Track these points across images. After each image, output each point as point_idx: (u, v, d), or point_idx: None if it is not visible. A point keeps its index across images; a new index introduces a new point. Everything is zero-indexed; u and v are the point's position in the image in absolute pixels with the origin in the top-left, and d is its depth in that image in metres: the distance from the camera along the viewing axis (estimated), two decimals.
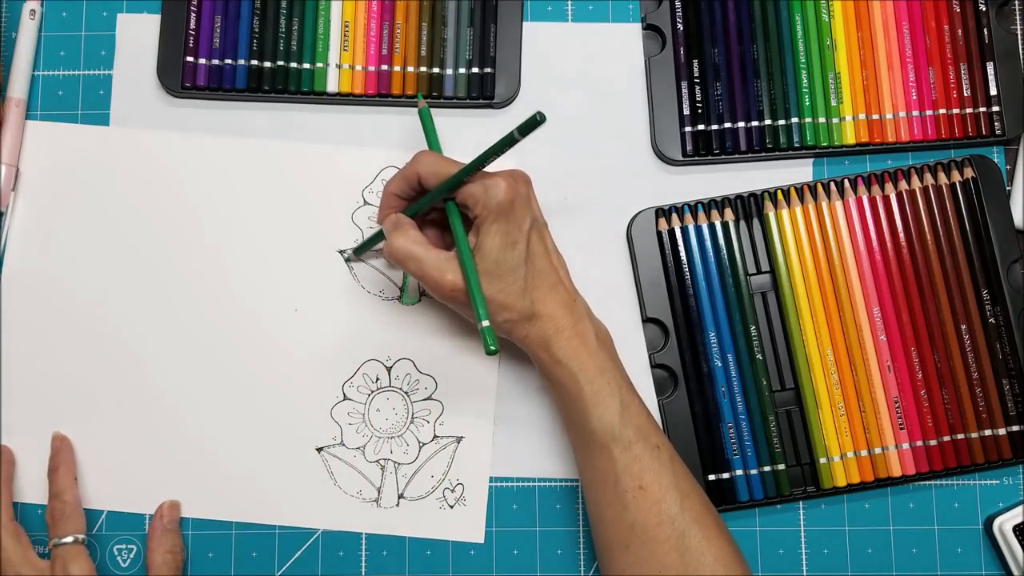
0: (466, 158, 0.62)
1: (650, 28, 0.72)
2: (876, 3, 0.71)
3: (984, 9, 0.71)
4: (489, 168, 0.61)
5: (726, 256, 0.70)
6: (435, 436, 0.69)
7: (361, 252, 0.70)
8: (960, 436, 0.68)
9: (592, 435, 0.61)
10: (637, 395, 0.63)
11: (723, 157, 0.71)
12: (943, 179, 0.70)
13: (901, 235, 0.69)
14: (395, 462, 0.69)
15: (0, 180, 0.69)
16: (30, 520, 0.68)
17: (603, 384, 0.61)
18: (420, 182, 0.64)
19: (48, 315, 0.70)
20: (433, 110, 0.71)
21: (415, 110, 0.71)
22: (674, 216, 0.70)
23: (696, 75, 0.71)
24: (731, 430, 0.68)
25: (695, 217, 0.70)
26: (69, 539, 0.65)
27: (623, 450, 0.60)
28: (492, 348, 0.58)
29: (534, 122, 0.57)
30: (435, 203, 0.64)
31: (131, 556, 0.69)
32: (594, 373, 0.61)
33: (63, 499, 0.66)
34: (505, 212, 0.61)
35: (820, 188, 0.70)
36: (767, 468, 0.68)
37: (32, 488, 0.68)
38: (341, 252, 0.70)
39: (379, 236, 0.67)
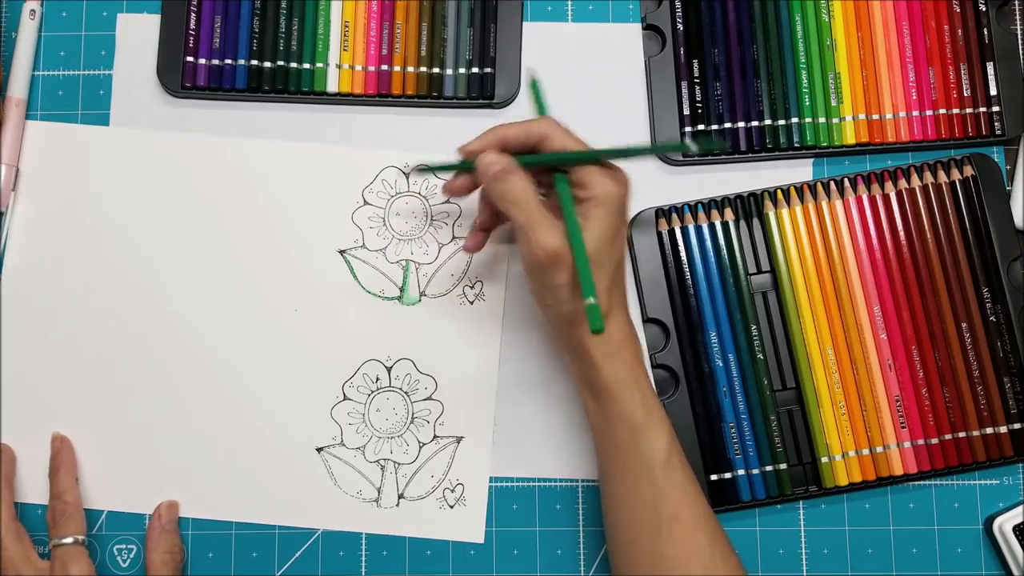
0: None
1: (650, 28, 0.72)
2: (876, 3, 0.71)
3: (984, 9, 0.71)
4: None
5: (726, 256, 0.70)
6: (435, 436, 0.69)
7: (428, 171, 0.65)
8: (961, 434, 0.68)
9: (639, 457, 0.59)
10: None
11: (723, 157, 0.71)
12: (943, 177, 0.70)
13: (901, 234, 0.69)
14: (395, 462, 0.69)
15: (0, 180, 0.69)
16: (31, 520, 0.68)
17: (656, 408, 0.60)
18: (538, 144, 0.60)
19: (48, 315, 0.70)
20: (432, 110, 0.71)
21: (415, 110, 0.71)
22: (674, 216, 0.70)
23: (696, 75, 0.71)
24: (732, 430, 0.68)
25: (695, 217, 0.70)
26: (69, 540, 0.65)
27: (665, 478, 0.59)
28: (599, 326, 0.55)
29: (711, 146, 0.59)
30: (544, 166, 0.61)
31: (131, 556, 0.68)
32: (649, 395, 0.60)
33: (64, 500, 0.66)
34: (619, 206, 0.59)
35: (820, 187, 0.70)
36: (769, 468, 0.68)
37: (33, 488, 0.68)
38: (406, 168, 0.64)
39: (461, 166, 0.63)
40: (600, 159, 0.59)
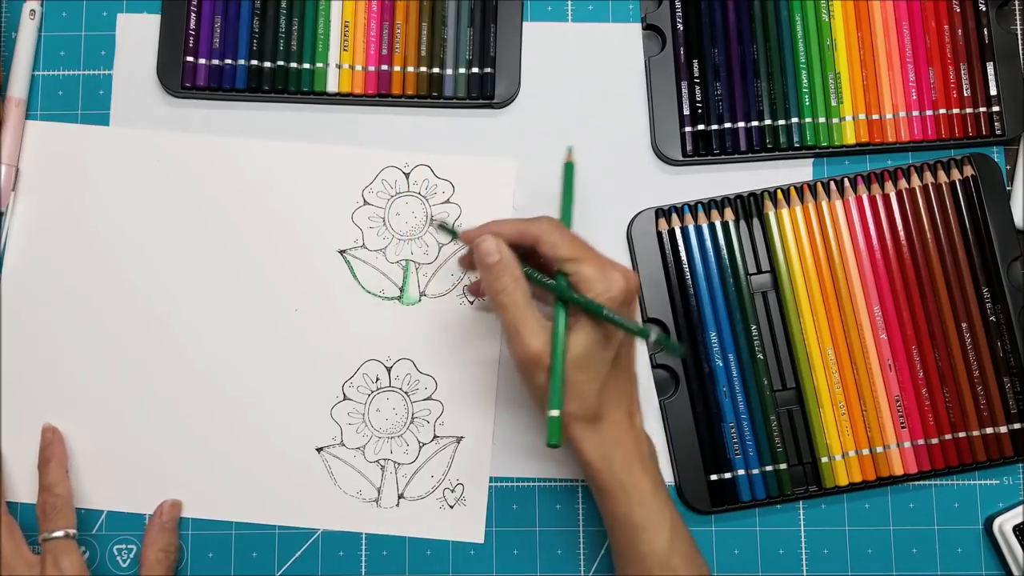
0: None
1: (650, 28, 0.72)
2: (876, 3, 0.71)
3: (984, 9, 0.71)
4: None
5: (726, 256, 0.70)
6: (435, 436, 0.69)
7: (446, 233, 0.62)
8: (961, 434, 0.68)
9: (641, 559, 0.59)
10: (680, 516, 0.61)
11: (723, 157, 0.71)
12: (943, 177, 0.70)
13: (901, 233, 0.69)
14: (395, 462, 0.69)
15: (0, 180, 0.69)
16: (29, 520, 0.68)
17: (655, 507, 0.60)
18: (533, 245, 0.60)
19: (48, 315, 0.70)
20: (432, 110, 0.71)
21: (415, 110, 0.71)
22: (674, 216, 0.70)
23: (696, 75, 0.71)
24: (732, 430, 0.68)
25: (695, 217, 0.70)
26: (60, 533, 0.64)
27: None
28: (554, 441, 0.57)
29: (674, 348, 0.61)
30: (539, 280, 0.60)
31: (131, 556, 0.68)
32: (647, 493, 0.59)
33: (55, 492, 0.66)
34: (615, 306, 0.58)
35: (820, 187, 0.70)
36: (769, 468, 0.68)
37: (32, 488, 0.68)
38: (436, 222, 0.64)
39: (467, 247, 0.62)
40: (580, 303, 0.58)
